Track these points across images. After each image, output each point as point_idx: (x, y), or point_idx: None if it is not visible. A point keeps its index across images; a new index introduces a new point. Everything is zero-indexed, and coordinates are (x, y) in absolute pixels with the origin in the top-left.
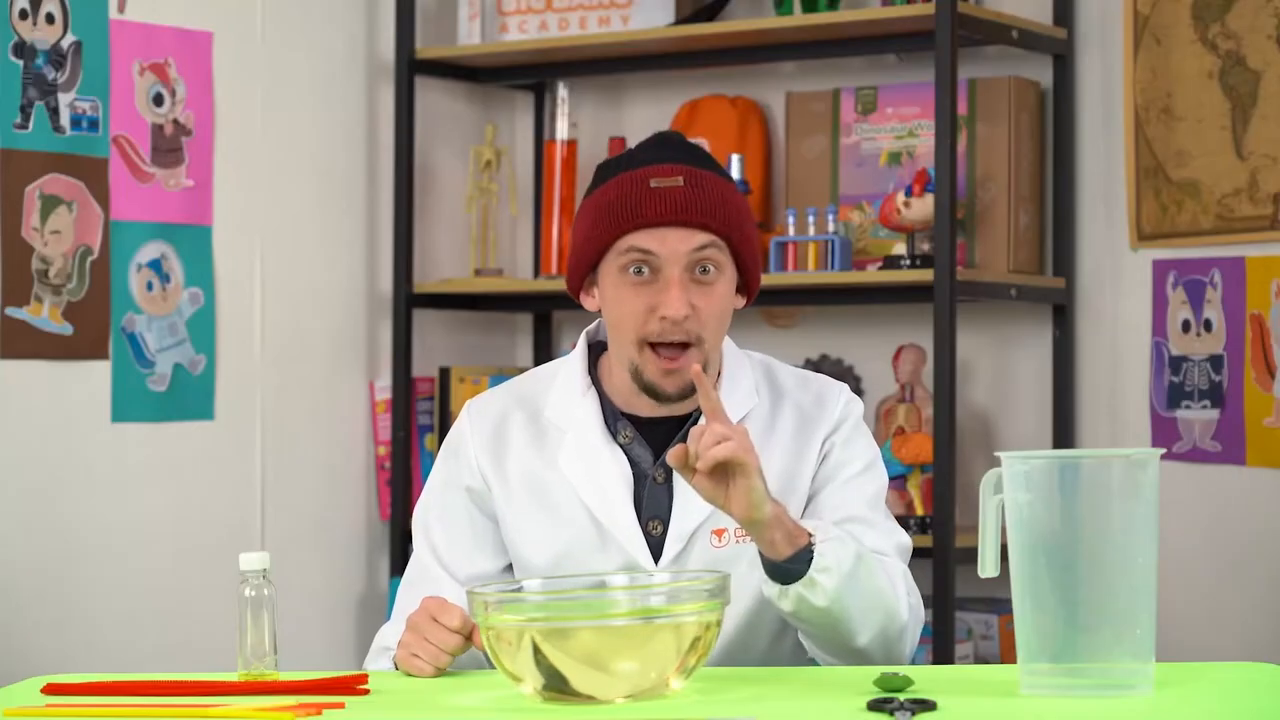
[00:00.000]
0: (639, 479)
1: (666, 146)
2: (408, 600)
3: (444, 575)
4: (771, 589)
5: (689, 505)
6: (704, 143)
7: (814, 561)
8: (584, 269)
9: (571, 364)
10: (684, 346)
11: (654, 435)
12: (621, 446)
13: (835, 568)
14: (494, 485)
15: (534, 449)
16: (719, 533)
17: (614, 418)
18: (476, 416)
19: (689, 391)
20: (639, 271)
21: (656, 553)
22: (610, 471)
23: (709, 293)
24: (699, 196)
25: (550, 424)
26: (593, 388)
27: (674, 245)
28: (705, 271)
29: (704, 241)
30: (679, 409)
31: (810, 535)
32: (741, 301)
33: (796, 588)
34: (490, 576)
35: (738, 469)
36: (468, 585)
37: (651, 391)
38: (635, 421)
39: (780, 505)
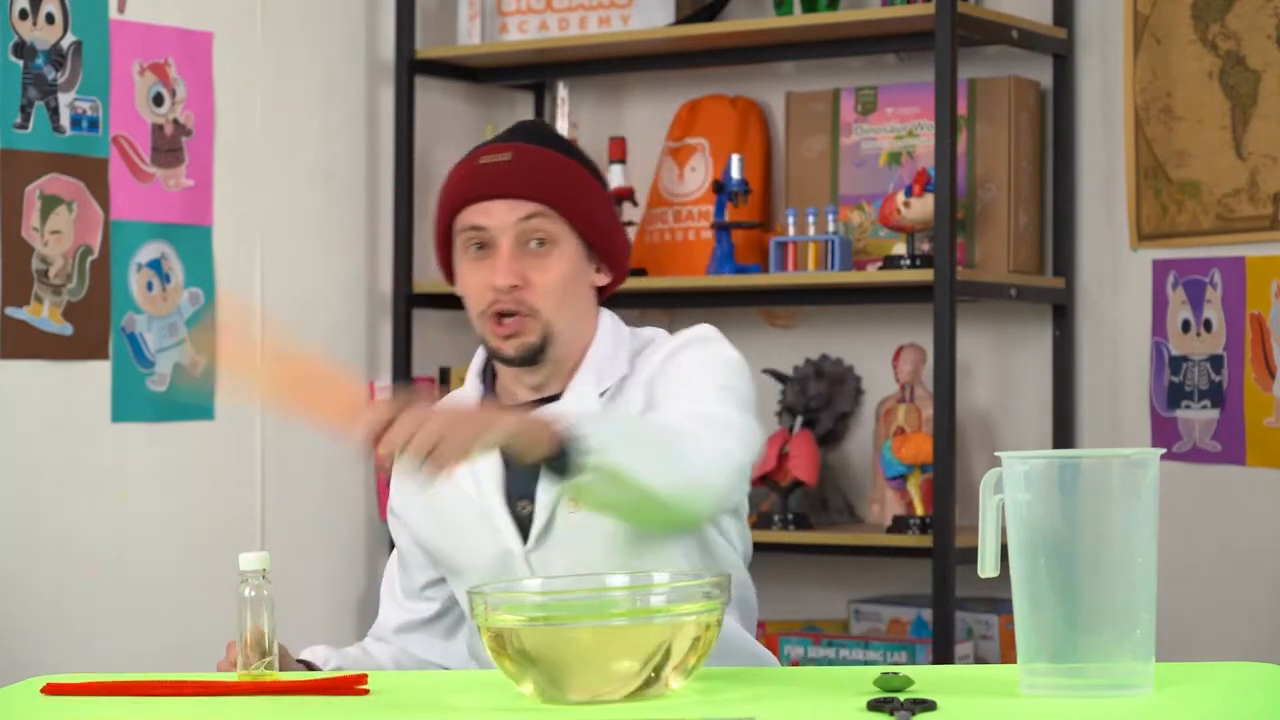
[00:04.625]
0: (509, 463)
1: (516, 130)
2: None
3: (398, 590)
4: (566, 491)
5: (548, 481)
6: (703, 142)
7: (579, 439)
8: (443, 255)
9: (473, 364)
10: (518, 316)
11: None
12: None
13: (598, 430)
14: (405, 497)
15: None
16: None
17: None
18: None
19: (528, 355)
20: (479, 248)
21: (526, 529)
22: (484, 458)
23: (542, 265)
24: (523, 168)
25: None
26: (482, 383)
27: (501, 216)
28: (540, 244)
29: (529, 211)
30: (550, 389)
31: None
32: (605, 278)
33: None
34: (428, 583)
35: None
36: (407, 600)
37: (500, 358)
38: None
39: (511, 418)
